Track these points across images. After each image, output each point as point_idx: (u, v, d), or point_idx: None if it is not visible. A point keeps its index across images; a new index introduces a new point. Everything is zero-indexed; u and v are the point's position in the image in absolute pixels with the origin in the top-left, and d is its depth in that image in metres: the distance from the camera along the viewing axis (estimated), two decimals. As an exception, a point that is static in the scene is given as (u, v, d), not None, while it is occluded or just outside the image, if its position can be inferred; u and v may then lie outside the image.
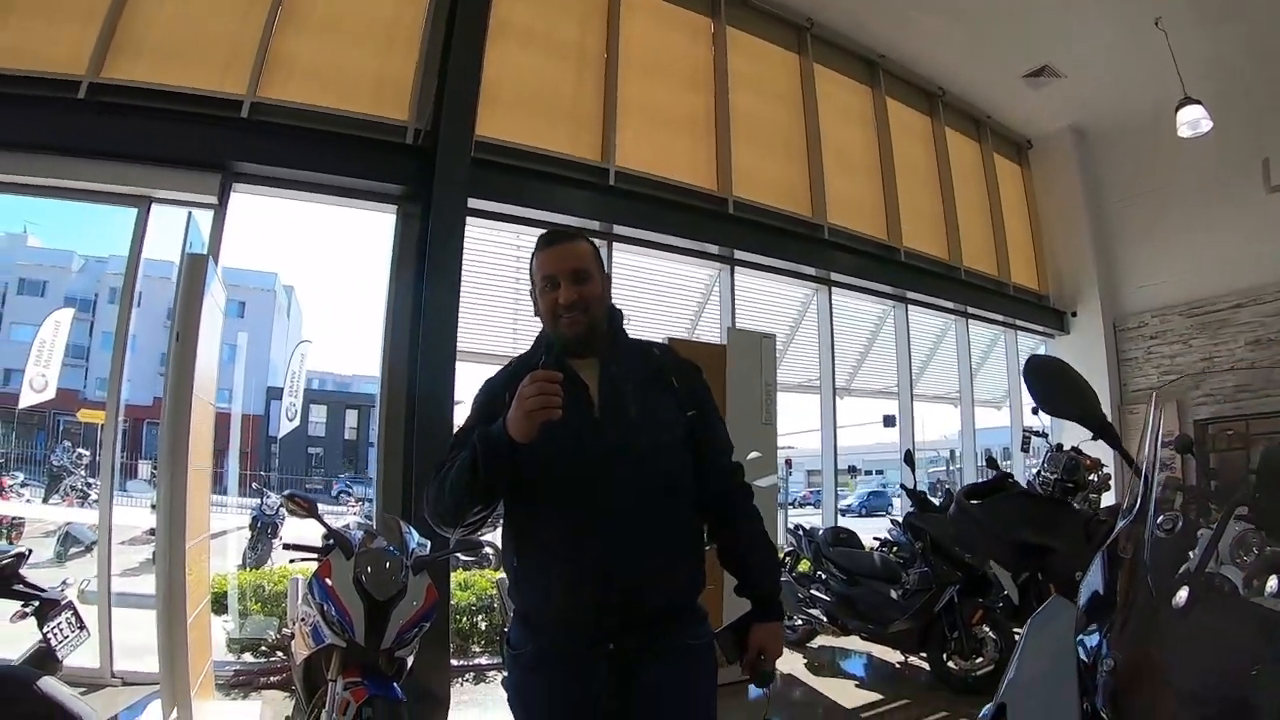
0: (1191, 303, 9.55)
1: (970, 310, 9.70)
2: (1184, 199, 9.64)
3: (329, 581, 3.03)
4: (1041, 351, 10.91)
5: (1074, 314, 10.49)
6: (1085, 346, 10.31)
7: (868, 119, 8.96)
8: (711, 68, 7.54)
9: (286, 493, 3.32)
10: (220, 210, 4.89)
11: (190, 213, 4.26)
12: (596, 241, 6.47)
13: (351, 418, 34.57)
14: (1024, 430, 9.32)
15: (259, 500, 9.89)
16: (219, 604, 5.31)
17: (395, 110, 5.50)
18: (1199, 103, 8.03)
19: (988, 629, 5.09)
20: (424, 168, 5.25)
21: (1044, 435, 8.82)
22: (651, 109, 7.03)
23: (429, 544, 3.64)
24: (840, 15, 8.33)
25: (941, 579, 5.16)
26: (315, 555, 3.28)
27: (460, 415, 5.72)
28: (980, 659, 5.08)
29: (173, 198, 4.85)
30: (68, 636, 3.26)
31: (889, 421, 11.10)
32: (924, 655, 5.39)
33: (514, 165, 5.91)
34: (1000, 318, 10.09)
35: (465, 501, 1.75)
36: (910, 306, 9.10)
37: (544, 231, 2.03)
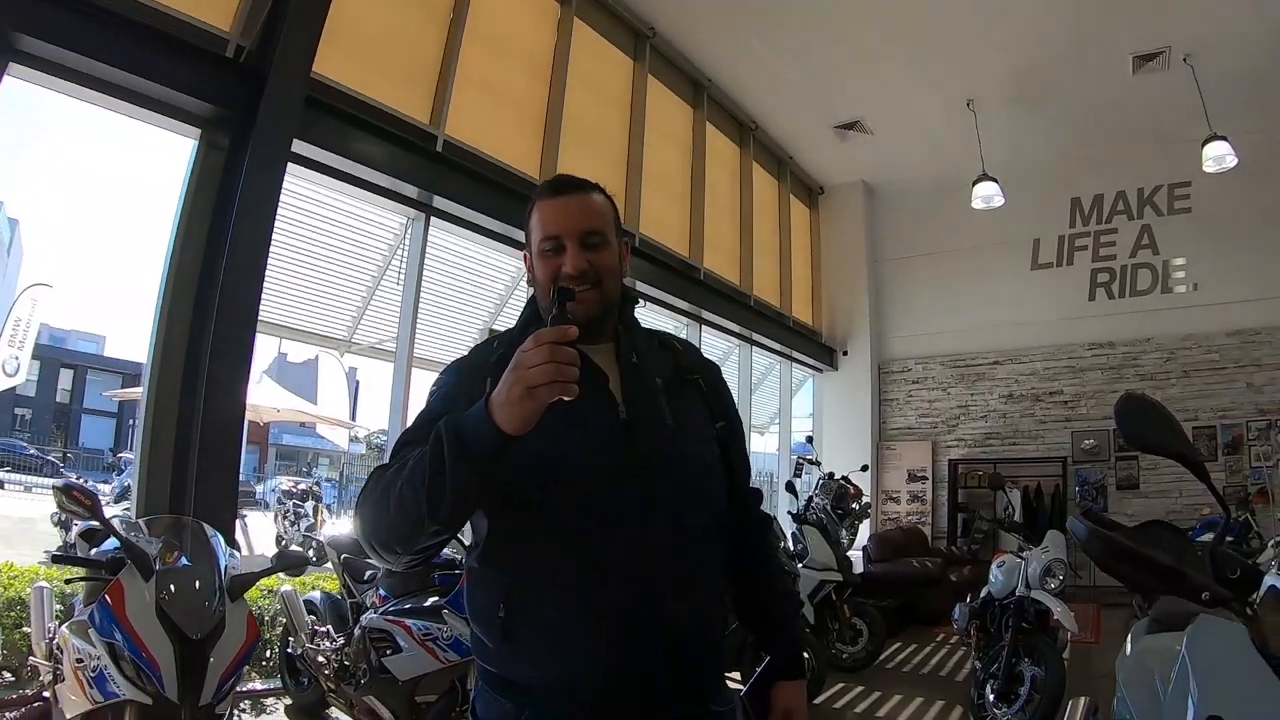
0: (953, 355, 10.64)
1: (755, 336, 9.99)
2: (959, 262, 10.71)
3: (119, 609, 2.25)
4: (810, 385, 11.56)
5: (845, 352, 11.23)
6: (852, 383, 11.10)
7: (686, 138, 8.98)
8: (552, 56, 7.15)
9: (62, 483, 2.46)
10: None
11: None
12: (412, 212, 6.01)
13: (66, 378, 29.79)
14: (797, 458, 9.74)
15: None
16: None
17: (217, 18, 4.50)
18: (995, 180, 8.92)
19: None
20: (244, 90, 4.34)
21: (816, 463, 9.26)
22: (489, 83, 6.48)
23: (239, 556, 2.93)
24: (679, 29, 8.29)
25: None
26: (98, 573, 2.45)
27: (267, 395, 4.87)
28: None
29: None
30: None
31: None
32: (736, 675, 5.31)
33: (345, 111, 5.13)
34: (779, 347, 10.51)
35: (420, 522, 1.18)
36: (704, 327, 9.19)
37: (551, 178, 1.55)
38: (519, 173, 6.64)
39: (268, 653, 4.78)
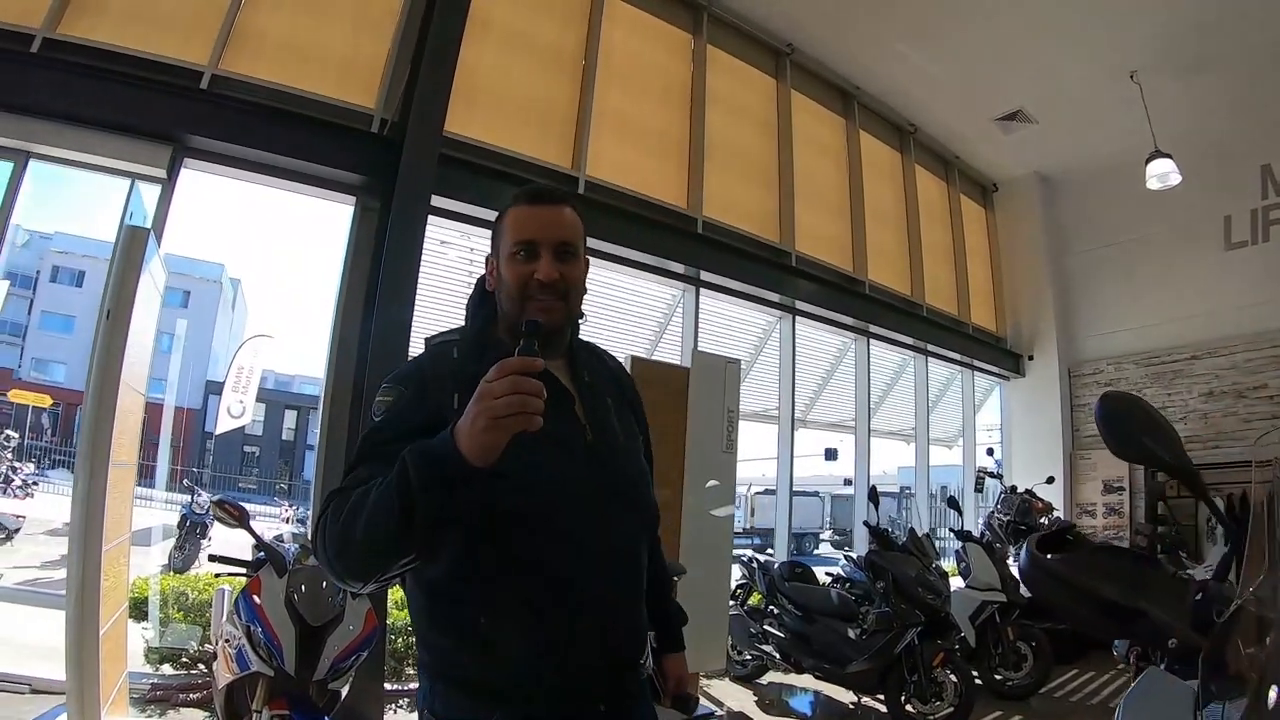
0: (1147, 352, 9.69)
1: (930, 347, 9.67)
2: (1145, 250, 9.81)
3: (258, 600, 2.74)
4: (997, 392, 10.98)
5: (1030, 357, 10.56)
6: (1040, 390, 10.42)
7: (840, 149, 8.93)
8: (689, 85, 7.43)
9: (216, 498, 3.04)
10: (169, 185, 4.53)
11: (134, 181, 3.90)
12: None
13: (290, 418, 33.59)
14: (978, 471, 9.32)
15: (189, 498, 9.37)
16: (139, 610, 4.94)
17: (363, 97, 5.22)
18: (1169, 156, 8.20)
19: (949, 672, 4.98)
20: (388, 159, 4.98)
21: (998, 476, 8.83)
22: (626, 121, 6.87)
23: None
24: (820, 42, 8.31)
25: (903, 620, 5.03)
26: (244, 570, 2.99)
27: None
28: (940, 702, 4.95)
29: (117, 167, 4.45)
30: None
31: (830, 455, 11.02)
32: (880, 697, 5.24)
33: (482, 165, 5.66)
34: (958, 356, 10.09)
35: (389, 550, 1.21)
36: (871, 340, 9.03)
37: (526, 188, 1.59)
38: (664, 204, 6.93)
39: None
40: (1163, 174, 8.28)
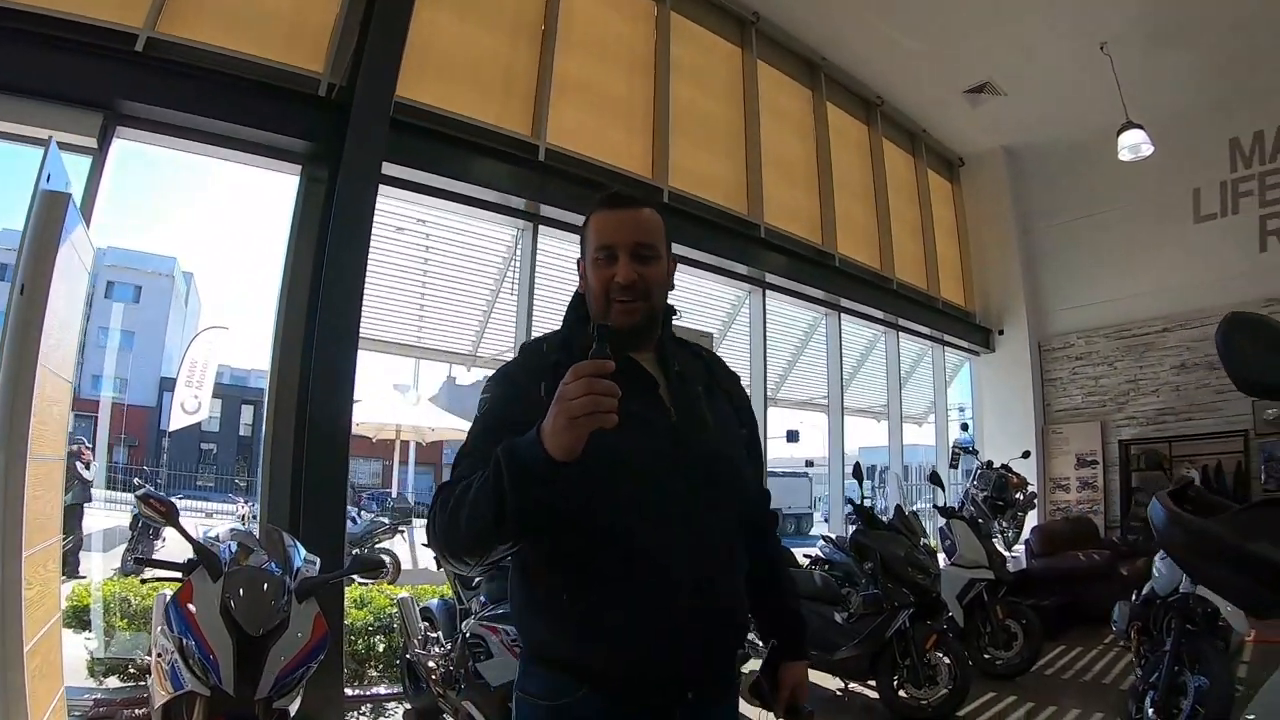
0: (1118, 325, 9.64)
1: (901, 322, 9.51)
2: (1115, 224, 9.74)
3: (191, 609, 2.37)
4: (967, 368, 10.87)
5: (1000, 332, 10.49)
6: (1011, 365, 10.36)
7: (806, 121, 8.69)
8: (653, 53, 7.13)
9: (140, 492, 2.68)
10: (100, 155, 4.14)
11: (50, 140, 3.46)
12: (520, 224, 6.16)
13: (247, 413, 32.57)
14: (953, 446, 9.21)
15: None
16: (80, 619, 4.57)
17: (310, 61, 4.83)
18: (1141, 127, 8.09)
19: (942, 654, 4.77)
20: (336, 125, 4.63)
21: (974, 452, 8.73)
22: (588, 89, 6.56)
23: (318, 561, 3.05)
24: (785, 11, 8.04)
25: (894, 601, 4.82)
26: (175, 574, 2.61)
27: (366, 412, 5.11)
28: (934, 686, 4.73)
29: (41, 136, 3.92)
30: None
31: (792, 437, 10.88)
32: (871, 683, 5.04)
33: (437, 131, 5.32)
34: (929, 331, 9.96)
35: (489, 541, 1.33)
36: (843, 315, 8.84)
37: (606, 192, 1.68)
38: (629, 174, 6.63)
39: (396, 659, 4.98)
40: (1134, 144, 8.19)
